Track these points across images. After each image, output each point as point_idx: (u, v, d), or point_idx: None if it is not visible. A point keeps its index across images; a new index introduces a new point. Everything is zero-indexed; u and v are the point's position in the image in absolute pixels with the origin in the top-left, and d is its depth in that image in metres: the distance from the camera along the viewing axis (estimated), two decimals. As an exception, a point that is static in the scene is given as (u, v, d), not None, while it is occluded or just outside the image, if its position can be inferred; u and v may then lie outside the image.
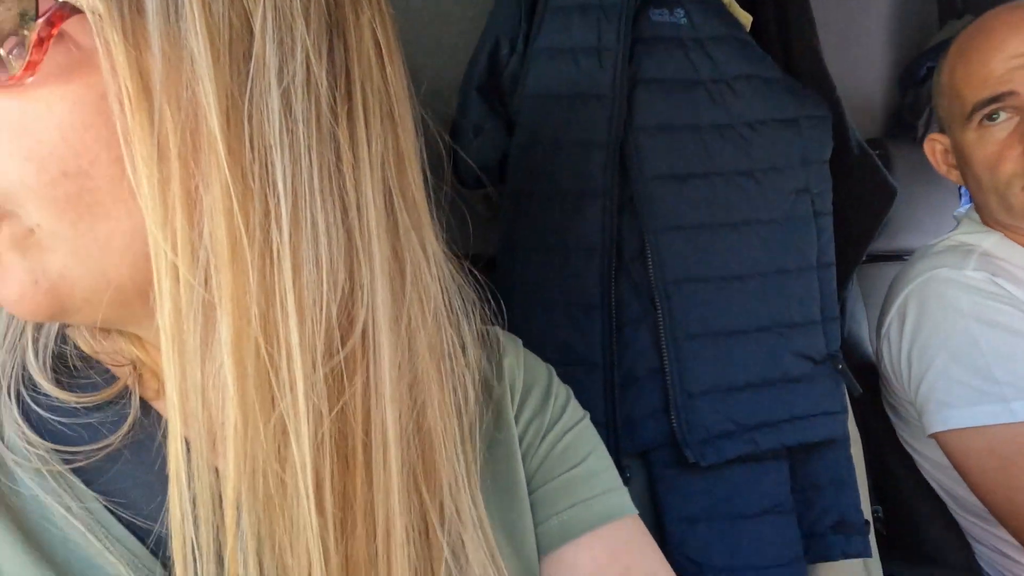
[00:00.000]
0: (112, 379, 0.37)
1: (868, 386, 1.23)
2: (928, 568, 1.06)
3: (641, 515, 0.63)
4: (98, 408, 0.36)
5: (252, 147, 0.30)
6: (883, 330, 1.04)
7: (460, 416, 0.40)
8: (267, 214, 0.30)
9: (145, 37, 0.29)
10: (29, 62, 0.28)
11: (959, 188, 1.58)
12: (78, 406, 0.36)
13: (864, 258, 1.41)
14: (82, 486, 0.34)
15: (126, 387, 0.37)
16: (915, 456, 1.10)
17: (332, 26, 0.34)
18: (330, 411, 0.32)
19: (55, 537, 0.33)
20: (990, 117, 0.91)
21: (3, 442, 0.34)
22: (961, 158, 1.00)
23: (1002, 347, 0.86)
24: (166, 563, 0.34)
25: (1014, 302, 0.89)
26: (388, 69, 0.36)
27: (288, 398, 0.30)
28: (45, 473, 0.33)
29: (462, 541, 0.37)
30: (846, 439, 0.86)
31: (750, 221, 0.84)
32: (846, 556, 0.83)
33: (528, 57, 0.89)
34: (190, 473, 0.30)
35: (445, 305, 0.40)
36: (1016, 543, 0.90)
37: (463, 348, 0.42)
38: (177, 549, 0.30)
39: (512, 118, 0.90)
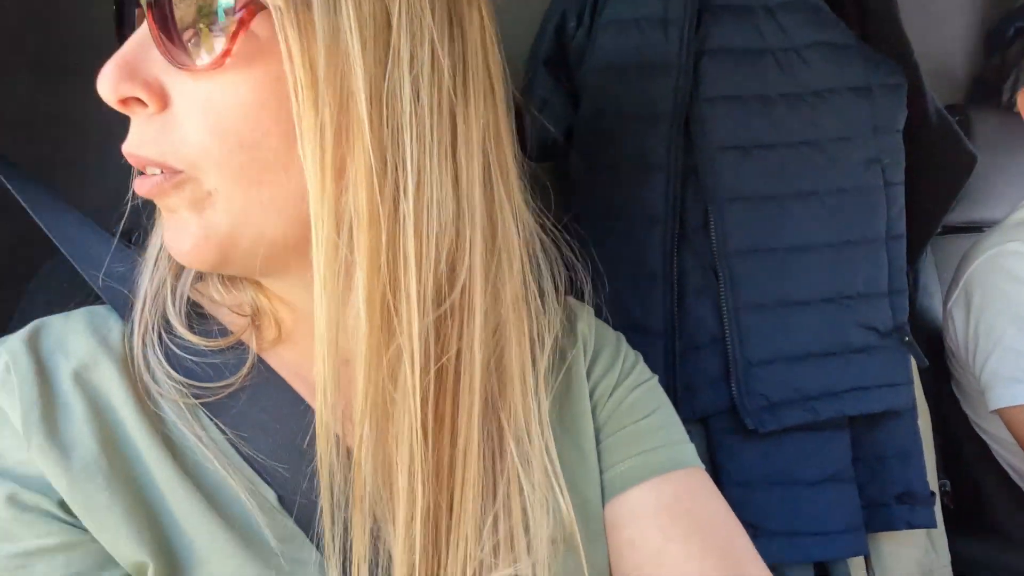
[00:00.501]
0: (228, 331, 0.43)
1: (939, 359, 1.21)
2: (995, 544, 1.05)
3: None
4: (221, 352, 0.42)
5: (388, 128, 0.36)
6: (949, 305, 1.04)
7: (535, 362, 0.45)
8: (397, 186, 0.36)
9: (312, 30, 0.34)
10: (224, 51, 0.34)
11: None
12: (205, 348, 0.42)
13: (940, 230, 1.38)
14: (208, 419, 0.40)
15: (243, 336, 0.43)
16: (980, 432, 1.08)
17: (452, 15, 0.38)
18: (435, 346, 0.38)
19: (188, 460, 0.39)
20: None
21: (151, 375, 0.40)
22: None
23: None
24: (280, 495, 0.39)
25: None
26: (491, 51, 0.41)
27: (404, 335, 0.37)
28: (181, 405, 0.40)
29: (529, 461, 0.42)
30: (911, 410, 0.85)
31: (817, 192, 0.84)
32: (911, 527, 0.84)
33: (594, 30, 0.90)
34: (325, 396, 0.37)
35: (529, 267, 0.46)
36: None
37: (543, 306, 0.48)
38: (322, 447, 0.37)
39: (577, 91, 0.92)
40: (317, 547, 0.39)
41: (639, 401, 0.51)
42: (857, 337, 0.82)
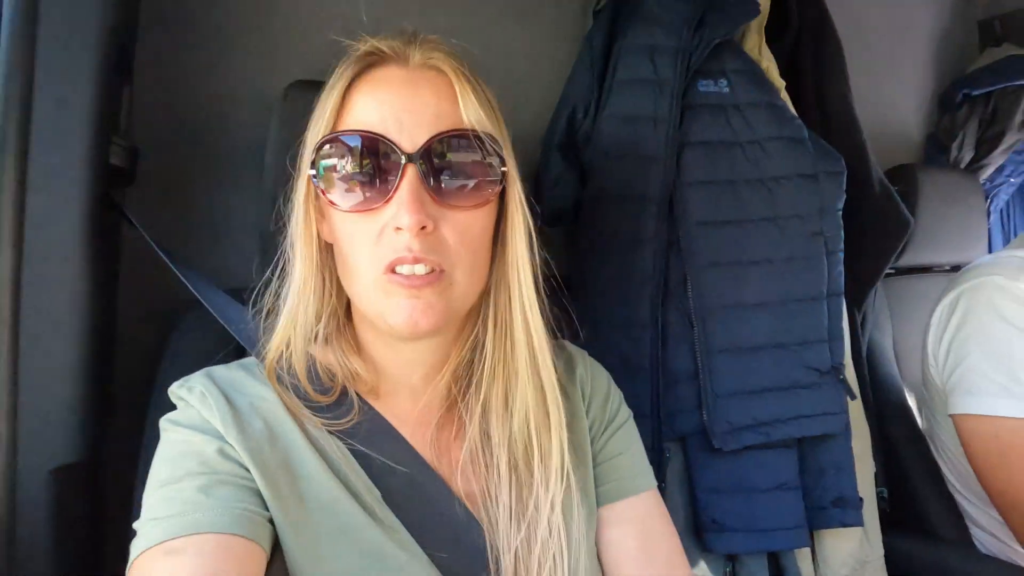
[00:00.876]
0: (331, 385, 0.64)
1: (885, 388, 1.43)
2: (925, 541, 1.25)
3: (678, 486, 0.92)
4: (327, 407, 0.62)
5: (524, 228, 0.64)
6: (933, 317, 1.16)
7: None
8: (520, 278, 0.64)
9: (518, 186, 0.63)
10: (487, 198, 0.61)
11: (987, 208, 1.72)
12: (318, 403, 0.62)
13: (893, 272, 1.59)
14: (338, 441, 0.61)
15: (344, 387, 0.64)
16: (935, 435, 1.25)
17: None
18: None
19: (328, 460, 0.60)
20: None
21: (299, 410, 0.61)
22: None
23: None
24: (384, 494, 0.60)
25: None
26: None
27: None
28: (323, 430, 0.61)
29: (550, 449, 0.64)
30: (845, 433, 1.07)
31: (773, 259, 1.05)
32: (843, 525, 1.05)
33: (599, 121, 1.11)
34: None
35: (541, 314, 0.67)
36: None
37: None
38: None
39: (585, 170, 1.13)
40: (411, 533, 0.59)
41: (621, 439, 0.74)
42: (802, 375, 1.03)
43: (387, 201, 0.57)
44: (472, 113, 0.59)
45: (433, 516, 0.61)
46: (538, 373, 0.65)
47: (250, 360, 0.67)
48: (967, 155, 1.70)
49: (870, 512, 1.19)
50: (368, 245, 0.58)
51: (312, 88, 0.93)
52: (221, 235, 1.00)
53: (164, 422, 0.60)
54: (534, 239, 0.64)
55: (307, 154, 0.61)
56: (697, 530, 1.04)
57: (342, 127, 0.59)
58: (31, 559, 0.70)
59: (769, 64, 1.22)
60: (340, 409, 0.62)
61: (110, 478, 0.80)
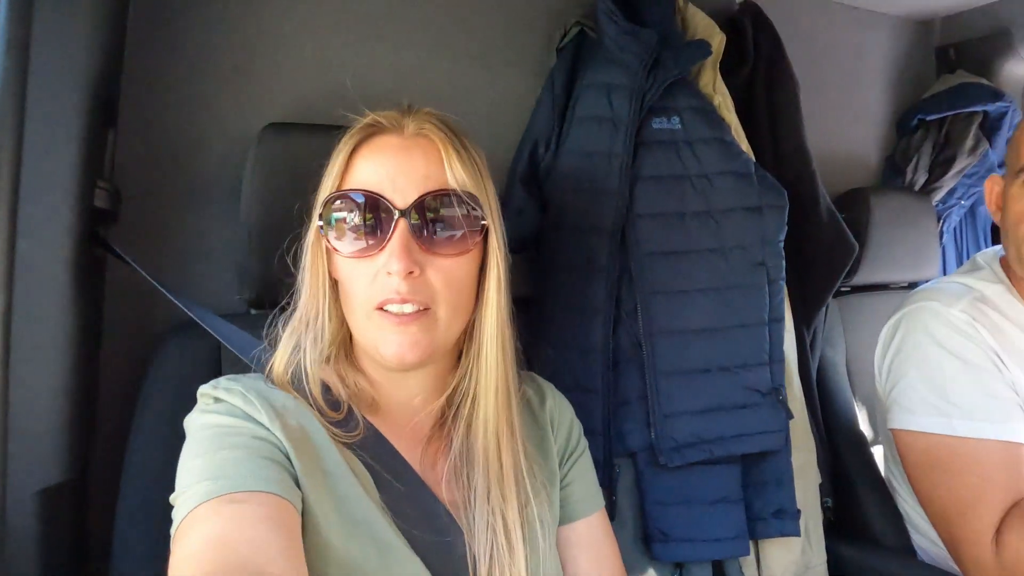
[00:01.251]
0: (340, 401, 0.72)
1: (835, 401, 1.50)
2: (868, 548, 1.33)
3: (628, 499, 1.03)
4: (339, 422, 0.70)
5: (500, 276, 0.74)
6: (880, 339, 1.22)
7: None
8: (502, 316, 0.74)
9: (495, 230, 0.74)
10: (468, 248, 0.70)
11: (940, 229, 1.80)
12: (332, 417, 0.70)
13: (849, 289, 1.67)
14: (349, 451, 0.69)
15: (349, 405, 0.72)
16: (887, 444, 1.30)
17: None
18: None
19: (350, 456, 0.69)
20: None
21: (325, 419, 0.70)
22: (1004, 205, 1.10)
23: (960, 377, 1.05)
24: (385, 500, 0.68)
25: (983, 346, 1.05)
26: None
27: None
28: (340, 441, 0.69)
29: (525, 472, 0.74)
30: (784, 449, 1.14)
31: (718, 288, 1.13)
32: (781, 535, 1.13)
33: (558, 156, 1.19)
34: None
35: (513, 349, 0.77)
36: None
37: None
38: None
39: (546, 201, 1.20)
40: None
41: (580, 467, 0.85)
42: (743, 397, 1.11)
43: (381, 249, 0.67)
44: (456, 175, 0.70)
45: (423, 522, 0.69)
46: (508, 401, 0.75)
47: (258, 376, 0.74)
48: (921, 178, 1.78)
49: (814, 521, 1.26)
50: (364, 285, 0.68)
51: (285, 130, 1.00)
52: (202, 266, 1.07)
53: (198, 415, 0.67)
54: (506, 282, 0.75)
55: (316, 208, 0.72)
56: (646, 540, 1.11)
57: (346, 186, 0.70)
58: None
59: (723, 99, 1.29)
60: (349, 424, 0.71)
61: (93, 498, 0.86)
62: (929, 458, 1.06)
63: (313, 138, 1.01)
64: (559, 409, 0.86)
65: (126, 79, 0.96)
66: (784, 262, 1.18)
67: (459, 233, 0.69)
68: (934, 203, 1.79)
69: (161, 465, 0.86)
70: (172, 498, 0.62)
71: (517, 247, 1.21)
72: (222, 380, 0.71)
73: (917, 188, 1.80)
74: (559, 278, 1.14)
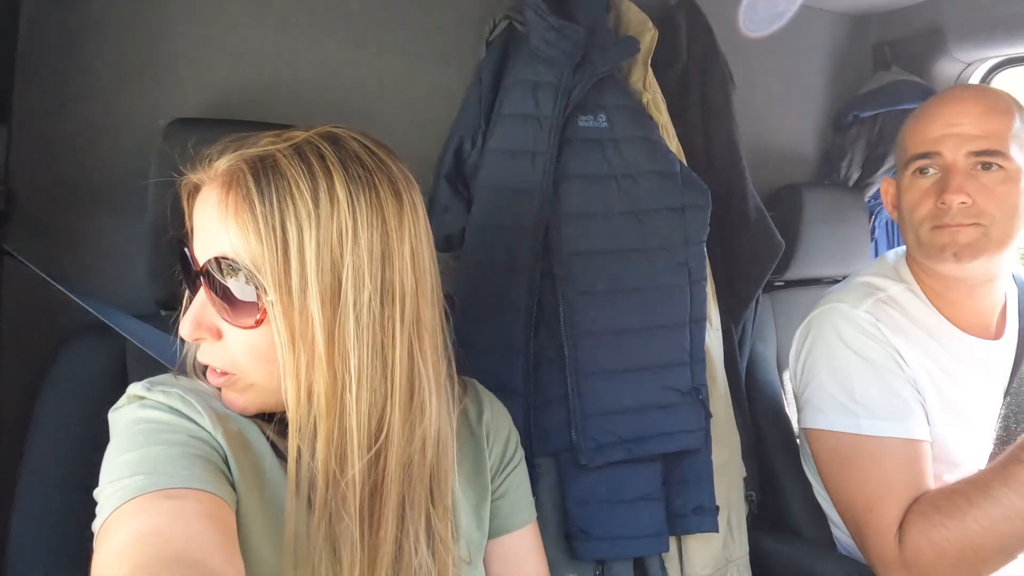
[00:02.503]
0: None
1: (763, 396, 1.53)
2: (789, 540, 1.36)
3: (550, 498, 1.04)
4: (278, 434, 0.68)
5: (339, 355, 0.60)
6: (794, 340, 1.25)
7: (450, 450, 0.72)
8: (345, 383, 0.60)
9: (292, 307, 0.59)
10: (257, 321, 0.61)
11: (871, 225, 1.84)
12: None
13: (783, 284, 1.70)
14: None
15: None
16: (802, 442, 1.33)
17: (385, 257, 0.61)
18: (370, 473, 0.63)
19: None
20: (922, 171, 1.08)
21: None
22: (899, 199, 1.15)
23: (865, 377, 1.08)
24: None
25: (886, 346, 1.09)
26: (418, 258, 0.64)
27: (349, 476, 0.62)
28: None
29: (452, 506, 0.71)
30: (704, 448, 1.16)
31: (641, 288, 1.13)
32: (700, 531, 1.15)
33: (483, 154, 1.17)
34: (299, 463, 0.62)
35: (444, 392, 0.70)
36: None
37: (451, 403, 0.74)
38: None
39: (472, 199, 1.19)
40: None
41: (514, 478, 0.84)
42: (663, 396, 1.12)
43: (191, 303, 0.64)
44: (237, 240, 0.61)
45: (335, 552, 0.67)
46: (450, 415, 0.73)
47: (194, 379, 0.71)
48: (855, 173, 1.81)
49: (737, 514, 1.29)
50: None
51: (192, 125, 0.97)
52: (108, 267, 1.03)
53: (132, 410, 0.64)
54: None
55: None
56: (568, 538, 1.12)
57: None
58: None
59: (653, 96, 1.29)
60: (281, 439, 0.68)
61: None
62: (838, 456, 1.09)
63: (224, 134, 0.98)
64: (496, 421, 0.84)
65: (19, 71, 0.92)
66: (706, 262, 1.19)
67: (238, 306, 0.62)
68: (867, 199, 1.82)
69: (60, 470, 0.84)
70: (96, 492, 0.59)
71: (443, 246, 1.20)
72: (158, 380, 0.68)
73: (851, 184, 1.83)
74: (481, 278, 1.13)
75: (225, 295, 0.61)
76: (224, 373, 0.64)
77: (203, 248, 0.63)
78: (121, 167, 1.02)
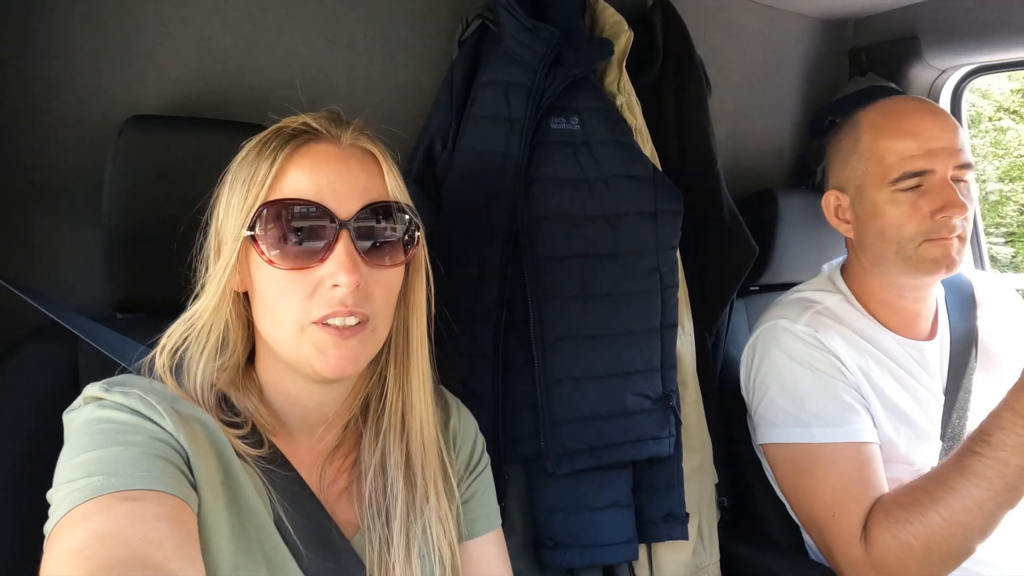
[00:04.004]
0: (242, 417, 0.69)
1: (736, 401, 1.52)
2: (761, 547, 1.36)
3: (517, 506, 1.03)
4: (242, 437, 0.68)
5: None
6: (742, 358, 1.29)
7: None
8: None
9: (425, 247, 0.75)
10: (404, 260, 0.71)
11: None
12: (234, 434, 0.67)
13: (758, 288, 1.69)
14: (249, 466, 0.67)
15: (252, 422, 0.69)
16: (761, 455, 1.37)
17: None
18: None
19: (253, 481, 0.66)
20: (913, 187, 1.09)
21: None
22: (868, 213, 1.16)
23: (812, 386, 1.11)
24: (281, 516, 0.66)
25: (828, 354, 1.12)
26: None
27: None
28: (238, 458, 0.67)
29: (433, 488, 0.75)
30: (674, 455, 1.15)
31: (612, 293, 1.12)
32: (670, 539, 1.14)
33: (453, 156, 1.15)
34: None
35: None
36: None
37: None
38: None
39: (442, 201, 1.16)
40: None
41: (479, 484, 0.85)
42: (633, 403, 1.11)
43: (322, 260, 0.65)
44: (395, 187, 0.70)
45: (317, 544, 0.68)
46: (433, 412, 0.78)
47: (155, 380, 0.69)
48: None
49: (709, 521, 1.28)
50: (300, 298, 0.65)
51: (150, 123, 0.94)
52: (60, 268, 1.00)
53: (89, 410, 0.62)
54: (432, 291, 0.78)
55: (238, 213, 0.66)
56: (536, 546, 1.10)
57: (277, 194, 0.66)
58: None
59: (627, 98, 1.27)
60: (252, 439, 0.68)
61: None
62: (795, 467, 1.11)
63: (186, 132, 0.95)
64: (463, 425, 0.86)
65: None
66: (679, 267, 1.18)
67: (396, 244, 0.69)
68: (842, 204, 1.82)
69: (11, 473, 0.81)
70: (50, 494, 0.57)
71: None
72: (116, 381, 0.66)
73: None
74: (451, 283, 1.10)
75: (387, 235, 0.68)
76: (363, 321, 0.67)
77: (352, 197, 0.66)
78: (74, 165, 0.99)
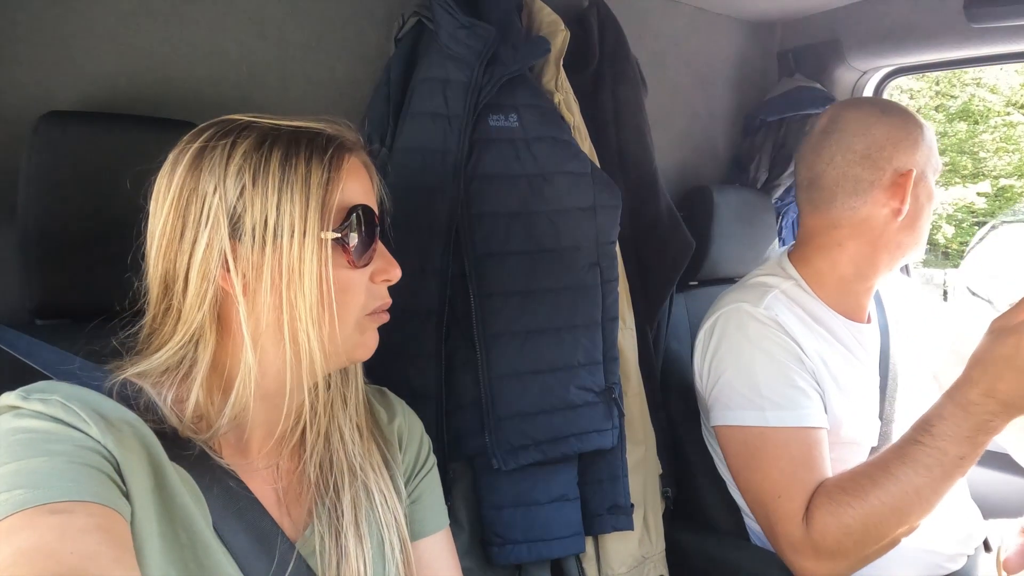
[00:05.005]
0: (180, 422, 0.66)
1: (679, 393, 1.56)
2: (705, 535, 1.39)
3: (466, 504, 1.04)
4: (177, 442, 0.65)
5: None
6: (696, 341, 1.30)
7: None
8: None
9: None
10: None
11: (779, 226, 1.90)
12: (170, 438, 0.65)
13: (697, 283, 1.74)
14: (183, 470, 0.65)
15: (191, 427, 0.66)
16: (708, 440, 1.39)
17: None
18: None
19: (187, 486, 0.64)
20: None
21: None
22: (927, 196, 1.21)
23: (769, 371, 1.13)
24: (219, 526, 0.65)
25: (786, 339, 1.15)
26: None
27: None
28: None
29: (378, 479, 0.77)
30: (619, 446, 1.17)
31: (553, 289, 1.13)
32: (615, 529, 1.16)
33: (392, 153, 1.14)
34: None
35: None
36: None
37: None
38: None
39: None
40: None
41: (426, 484, 0.85)
42: (577, 396, 1.12)
43: (371, 259, 0.72)
44: (384, 194, 0.79)
45: (259, 550, 0.66)
46: (359, 396, 0.79)
47: (77, 385, 0.65)
48: (762, 176, 1.87)
49: (653, 511, 1.30)
50: (361, 295, 0.71)
51: (67, 120, 0.90)
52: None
53: (3, 420, 0.58)
54: None
55: (304, 215, 0.65)
56: (483, 545, 1.10)
57: (340, 198, 0.68)
58: None
59: (565, 96, 1.29)
60: (189, 444, 0.66)
61: None
62: (747, 449, 1.12)
63: (108, 129, 0.91)
64: (408, 425, 0.86)
65: None
66: (617, 262, 1.20)
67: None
68: (774, 199, 1.89)
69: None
70: None
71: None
72: (35, 388, 0.61)
73: (759, 185, 1.90)
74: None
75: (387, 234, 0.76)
76: (386, 308, 0.75)
77: (372, 202, 0.73)
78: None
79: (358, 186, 0.71)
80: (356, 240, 0.69)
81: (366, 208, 0.70)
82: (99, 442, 0.58)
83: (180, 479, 0.63)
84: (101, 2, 1.01)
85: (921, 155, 1.21)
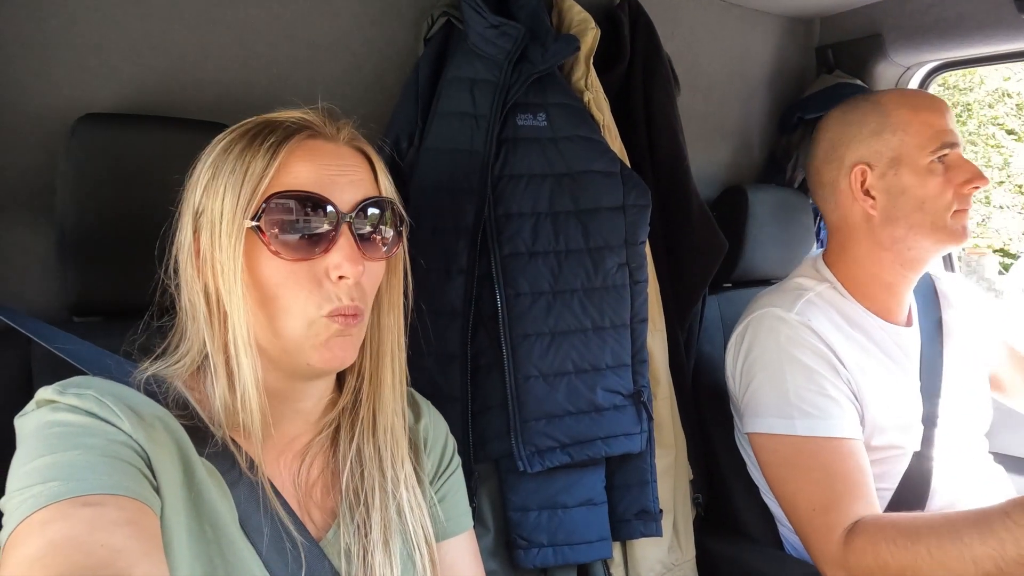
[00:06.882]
0: (208, 418, 0.67)
1: (711, 397, 1.52)
2: (738, 542, 1.36)
3: (491, 505, 1.04)
4: (206, 438, 0.66)
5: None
6: (729, 345, 1.28)
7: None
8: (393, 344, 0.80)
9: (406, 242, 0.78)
10: (393, 252, 0.73)
11: (817, 226, 1.85)
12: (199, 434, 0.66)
13: (730, 285, 1.70)
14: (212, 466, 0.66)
15: (219, 423, 0.67)
16: (743, 445, 1.37)
17: None
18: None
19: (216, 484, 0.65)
20: (941, 159, 1.13)
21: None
22: (905, 184, 1.15)
23: (799, 378, 1.10)
24: (245, 522, 0.65)
25: (819, 345, 1.12)
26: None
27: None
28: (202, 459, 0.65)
29: (405, 481, 0.76)
30: (647, 451, 1.14)
31: (581, 289, 1.11)
32: (644, 535, 1.13)
33: (420, 153, 1.14)
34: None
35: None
36: None
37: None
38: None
39: (408, 199, 1.15)
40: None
41: (451, 485, 0.85)
42: (604, 399, 1.10)
43: (326, 251, 0.66)
44: (386, 184, 0.73)
45: (284, 547, 0.66)
46: (397, 399, 0.78)
47: (111, 380, 0.67)
48: (800, 175, 1.82)
49: (684, 517, 1.28)
50: (305, 290, 0.66)
51: (103, 121, 0.91)
52: (10, 272, 0.97)
53: (42, 414, 0.60)
54: (411, 288, 0.81)
55: (232, 205, 0.65)
56: (508, 548, 1.09)
57: (279, 187, 0.65)
58: None
59: (595, 95, 1.27)
60: (216, 440, 0.66)
61: None
62: (778, 457, 1.10)
63: (143, 131, 0.93)
64: (434, 426, 0.86)
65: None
66: (647, 263, 1.18)
67: (386, 238, 0.71)
68: (811, 200, 1.83)
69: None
70: (2, 503, 0.55)
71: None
72: (71, 383, 0.63)
73: (796, 185, 1.85)
74: (417, 281, 1.09)
75: (380, 230, 0.70)
76: (357, 313, 0.68)
77: (351, 191, 0.68)
78: (25, 165, 0.96)
79: (309, 173, 0.66)
80: (276, 229, 0.64)
81: (302, 195, 0.65)
82: (131, 436, 0.59)
83: (208, 474, 0.64)
84: (135, 8, 1.03)
85: (882, 144, 1.17)
